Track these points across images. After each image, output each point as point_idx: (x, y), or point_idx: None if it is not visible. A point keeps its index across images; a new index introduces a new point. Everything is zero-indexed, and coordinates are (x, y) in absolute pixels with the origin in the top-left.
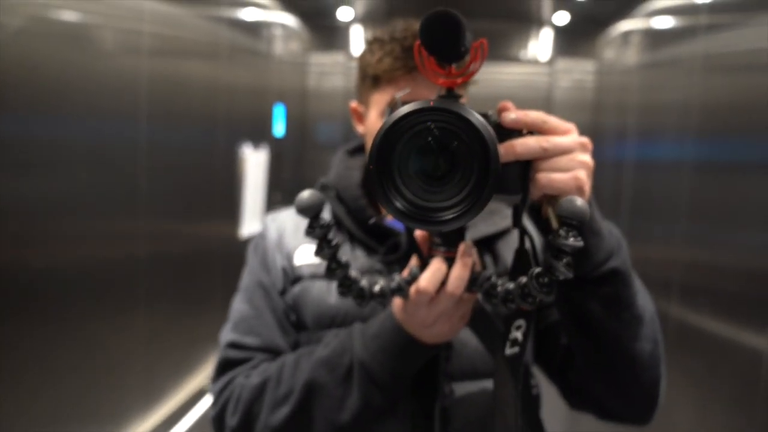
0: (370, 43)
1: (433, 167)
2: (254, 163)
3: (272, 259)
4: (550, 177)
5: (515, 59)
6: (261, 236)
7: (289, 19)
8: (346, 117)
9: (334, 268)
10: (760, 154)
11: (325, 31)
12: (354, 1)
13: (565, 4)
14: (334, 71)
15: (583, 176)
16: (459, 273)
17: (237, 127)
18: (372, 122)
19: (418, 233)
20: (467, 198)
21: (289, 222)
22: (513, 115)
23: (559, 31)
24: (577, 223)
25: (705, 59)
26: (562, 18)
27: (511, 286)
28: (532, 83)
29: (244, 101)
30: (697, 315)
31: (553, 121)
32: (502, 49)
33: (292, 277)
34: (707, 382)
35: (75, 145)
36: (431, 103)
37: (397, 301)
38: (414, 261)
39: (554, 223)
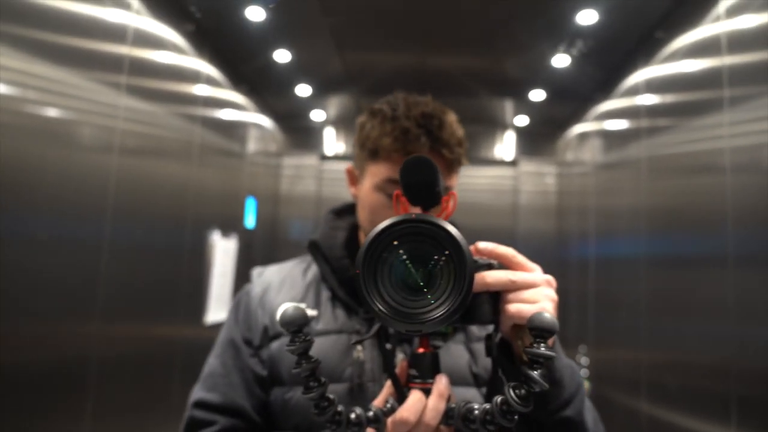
0: (372, 116)
1: (414, 280)
2: (222, 249)
3: (254, 314)
4: (519, 308)
5: (482, 160)
6: (245, 291)
7: (264, 120)
8: (317, 218)
9: (313, 386)
10: (701, 248)
11: (298, 132)
12: (327, 105)
13: (524, 108)
14: (306, 174)
15: (550, 309)
16: (435, 404)
17: (207, 220)
18: (365, 192)
19: (399, 368)
20: (444, 305)
21: (275, 278)
22: (486, 244)
23: (521, 133)
24: (548, 335)
25: (649, 161)
26: (522, 120)
27: (487, 406)
28: (498, 186)
29: (216, 197)
30: (667, 411)
31: (521, 258)
32: (470, 151)
33: (273, 333)
34: None
35: (38, 242)
36: (413, 216)
37: None
38: (388, 391)
39: (524, 357)
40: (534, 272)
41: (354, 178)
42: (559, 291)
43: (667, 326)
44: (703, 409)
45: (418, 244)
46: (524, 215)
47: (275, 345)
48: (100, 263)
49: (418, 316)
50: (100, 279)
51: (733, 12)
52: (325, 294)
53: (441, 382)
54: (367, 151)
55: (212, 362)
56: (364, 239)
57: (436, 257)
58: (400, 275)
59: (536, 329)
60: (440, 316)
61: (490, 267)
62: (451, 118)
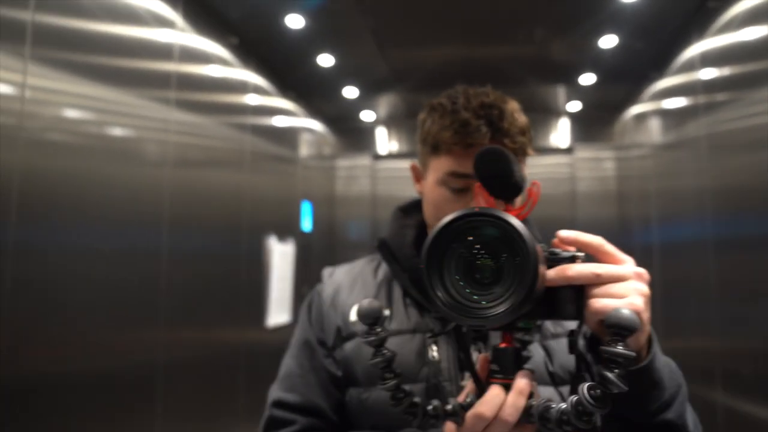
0: (432, 110)
1: (480, 275)
2: (280, 253)
3: (327, 316)
4: (604, 303)
5: (537, 149)
6: (317, 292)
7: (315, 124)
8: (374, 218)
9: (388, 378)
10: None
11: (350, 134)
12: (376, 104)
13: (575, 93)
14: (360, 174)
15: (640, 303)
16: (514, 400)
17: (262, 225)
18: (429, 187)
19: (479, 363)
20: (508, 301)
21: (346, 278)
22: (569, 233)
23: (575, 119)
24: (627, 333)
25: (709, 139)
26: (574, 106)
27: (564, 406)
28: (555, 175)
29: (271, 203)
30: (744, 401)
31: (609, 247)
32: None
33: (346, 333)
34: None
35: (104, 253)
36: (476, 209)
37: (447, 429)
38: (470, 387)
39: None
40: (624, 264)
41: (419, 175)
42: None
43: (738, 312)
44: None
45: (481, 238)
46: (583, 203)
47: (349, 345)
48: (161, 272)
49: (481, 311)
50: (161, 286)
51: None
52: (397, 293)
53: (522, 378)
54: (428, 147)
55: (289, 363)
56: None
57: (497, 251)
58: (464, 269)
59: (613, 326)
60: (504, 311)
61: (573, 259)
62: (513, 106)
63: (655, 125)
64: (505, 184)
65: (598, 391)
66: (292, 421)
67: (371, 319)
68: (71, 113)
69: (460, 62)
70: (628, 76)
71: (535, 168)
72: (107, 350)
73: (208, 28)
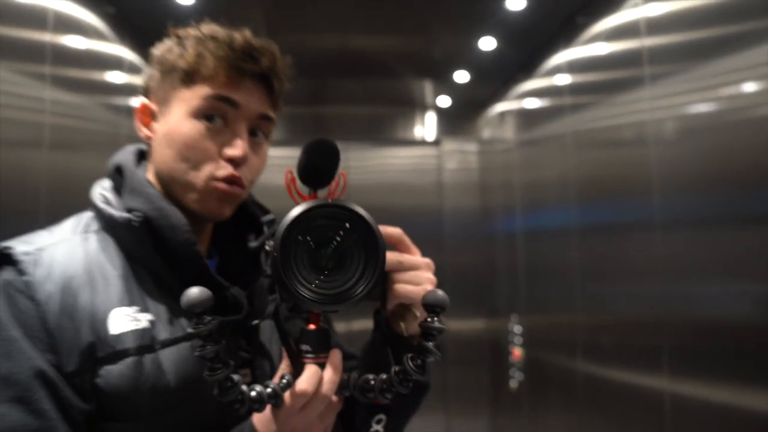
0: (182, 38)
1: (326, 263)
2: None
3: (59, 329)
4: (405, 288)
5: (405, 141)
6: (20, 291)
7: None
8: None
9: (218, 368)
10: (629, 215)
11: None
12: None
13: (446, 89)
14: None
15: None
16: (331, 376)
17: None
18: (176, 123)
19: (292, 341)
20: (361, 283)
21: (77, 272)
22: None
23: (443, 113)
24: (441, 310)
25: (575, 136)
26: (444, 101)
27: (385, 376)
28: (422, 166)
29: None
30: (603, 368)
31: (407, 239)
32: (391, 133)
33: (106, 353)
34: (617, 419)
35: None
36: (329, 201)
37: (260, 416)
38: (284, 368)
39: (404, 330)
40: (417, 254)
41: (151, 115)
42: (488, 264)
43: (600, 290)
44: (637, 363)
45: (327, 228)
46: (449, 193)
47: (113, 368)
48: None
49: (338, 295)
50: None
51: None
52: (149, 283)
53: (335, 356)
54: (177, 77)
55: (11, 413)
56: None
57: (341, 238)
58: (313, 258)
59: (430, 305)
60: (359, 293)
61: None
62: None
63: (517, 122)
64: (328, 176)
65: (419, 360)
66: None
67: (201, 308)
68: None
69: (335, 51)
70: (499, 76)
71: (403, 159)
72: None
73: None
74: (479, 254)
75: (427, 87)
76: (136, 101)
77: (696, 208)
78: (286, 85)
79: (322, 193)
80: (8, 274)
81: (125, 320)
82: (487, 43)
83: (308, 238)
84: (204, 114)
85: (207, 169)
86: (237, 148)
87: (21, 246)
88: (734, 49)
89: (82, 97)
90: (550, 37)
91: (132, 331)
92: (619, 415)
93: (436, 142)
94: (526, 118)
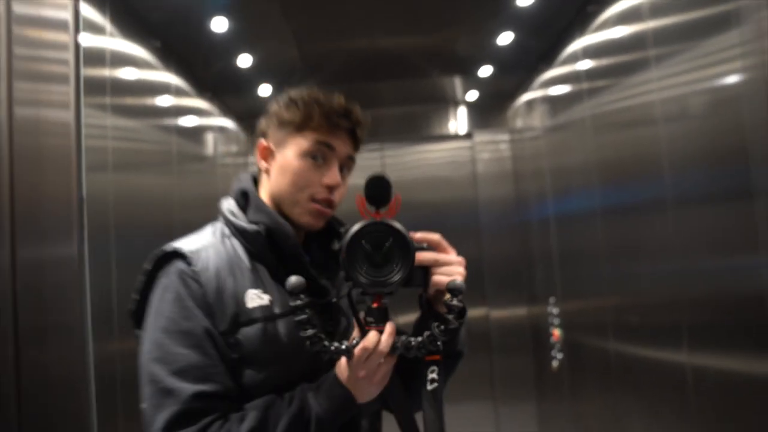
0: (294, 99)
1: (378, 259)
2: None
3: (216, 303)
4: (440, 278)
5: (439, 137)
6: (187, 277)
7: (229, 123)
8: None
9: (309, 329)
10: (645, 194)
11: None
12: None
13: (473, 84)
14: None
15: (461, 279)
16: (386, 339)
17: (191, 228)
18: (289, 160)
19: (361, 315)
20: (398, 274)
21: (220, 264)
22: (420, 234)
23: (473, 107)
24: (458, 293)
25: (593, 119)
26: (473, 95)
27: (420, 339)
28: (457, 159)
29: (196, 204)
30: (632, 346)
31: (444, 243)
32: (424, 129)
33: (243, 317)
34: (647, 395)
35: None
36: (378, 220)
37: (339, 366)
38: (355, 334)
39: (442, 308)
40: (452, 254)
41: (268, 152)
42: (524, 251)
43: (624, 271)
44: (659, 339)
45: (380, 236)
46: (483, 183)
47: (248, 330)
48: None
49: (383, 282)
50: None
51: None
52: (264, 274)
53: (390, 326)
54: (292, 126)
55: (185, 353)
56: (295, 219)
57: (387, 246)
58: (368, 257)
59: (451, 290)
60: (397, 280)
61: (422, 249)
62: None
63: (544, 110)
64: (385, 199)
65: (442, 327)
66: (213, 410)
67: (299, 290)
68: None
69: (364, 55)
70: (521, 68)
71: (437, 153)
72: None
73: (133, 32)
74: (515, 242)
75: (456, 83)
76: (256, 141)
77: (705, 184)
78: (365, 135)
79: (383, 210)
80: (181, 264)
81: (255, 298)
82: (505, 38)
83: (364, 243)
84: (311, 154)
85: (310, 193)
86: (332, 179)
87: (186, 246)
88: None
89: (137, 121)
90: (566, 27)
91: (259, 306)
92: (648, 390)
93: (468, 135)
94: (551, 105)
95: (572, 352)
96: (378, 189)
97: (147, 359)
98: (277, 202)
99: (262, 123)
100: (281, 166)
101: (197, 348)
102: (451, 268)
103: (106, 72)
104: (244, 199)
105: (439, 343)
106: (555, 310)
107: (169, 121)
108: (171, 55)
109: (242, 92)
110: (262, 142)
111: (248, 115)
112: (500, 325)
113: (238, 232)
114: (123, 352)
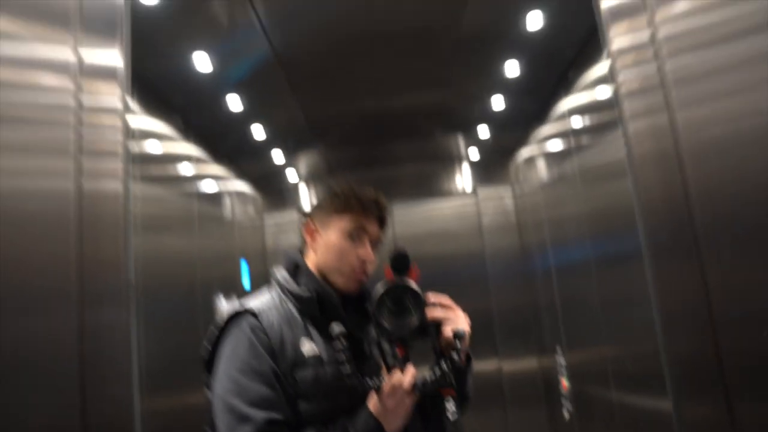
0: (336, 192)
1: (399, 313)
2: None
3: (277, 348)
4: (447, 330)
5: (446, 193)
6: (255, 328)
7: (245, 186)
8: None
9: (348, 367)
10: (626, 245)
11: (277, 193)
12: (298, 164)
13: (474, 142)
14: (288, 229)
15: (466, 331)
16: (409, 378)
17: (212, 287)
18: (333, 239)
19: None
20: (413, 323)
21: (278, 318)
22: (433, 294)
23: (476, 165)
24: (462, 337)
25: (581, 173)
26: (474, 154)
27: (433, 376)
28: (463, 214)
29: (216, 264)
30: (634, 395)
31: (451, 302)
32: (431, 186)
33: (299, 362)
34: None
35: None
36: (398, 283)
37: (372, 399)
38: (384, 372)
39: (449, 351)
40: (458, 310)
41: (314, 232)
42: (530, 301)
43: (617, 319)
44: (649, 386)
45: (401, 295)
46: (489, 236)
47: (302, 370)
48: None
49: (403, 326)
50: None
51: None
52: (311, 328)
53: (410, 368)
54: (334, 211)
55: (256, 388)
56: (336, 283)
57: (407, 303)
58: (391, 310)
59: (454, 335)
60: (415, 326)
61: (434, 307)
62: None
63: (540, 165)
64: (405, 268)
65: (448, 362)
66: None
67: (341, 335)
68: None
69: (372, 117)
70: (515, 127)
71: (444, 209)
72: None
73: (155, 109)
74: (522, 292)
75: (459, 142)
76: (303, 221)
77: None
78: (388, 220)
79: (404, 274)
80: (252, 320)
81: (307, 347)
82: (498, 102)
83: (386, 299)
84: (350, 235)
85: (350, 266)
86: (367, 255)
87: (253, 306)
88: None
89: (161, 188)
90: (552, 90)
91: (311, 354)
92: None
93: (474, 191)
94: (546, 160)
95: (579, 402)
96: (400, 260)
97: (225, 393)
98: (323, 271)
99: (310, 208)
100: (326, 243)
101: (267, 384)
102: (456, 321)
103: (133, 145)
104: (296, 269)
105: (448, 378)
106: (562, 360)
107: (189, 188)
108: (189, 127)
109: (256, 158)
110: (309, 224)
111: (262, 177)
112: (512, 378)
113: (292, 296)
114: (147, 408)
